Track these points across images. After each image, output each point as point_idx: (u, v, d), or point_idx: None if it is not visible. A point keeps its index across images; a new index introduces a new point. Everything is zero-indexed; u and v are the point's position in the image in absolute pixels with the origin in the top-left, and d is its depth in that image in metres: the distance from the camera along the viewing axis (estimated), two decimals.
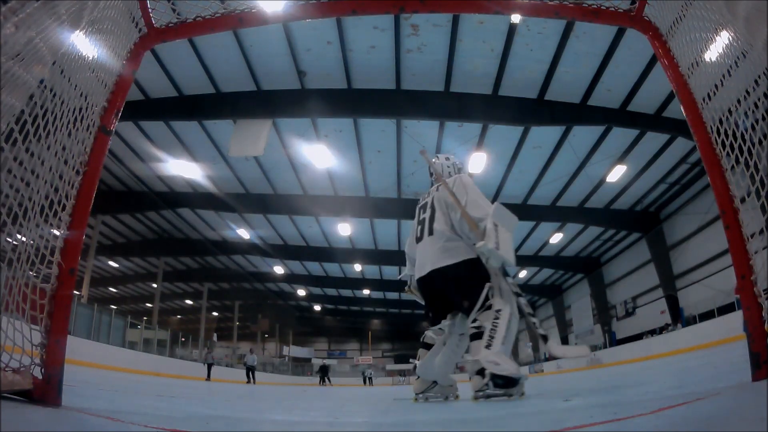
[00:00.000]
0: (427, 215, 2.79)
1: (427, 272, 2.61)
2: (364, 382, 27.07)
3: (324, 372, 24.71)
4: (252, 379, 17.87)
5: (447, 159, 3.19)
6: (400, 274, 3.39)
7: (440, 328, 2.66)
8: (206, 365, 17.67)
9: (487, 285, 2.44)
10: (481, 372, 2.25)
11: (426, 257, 2.66)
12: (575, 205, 16.41)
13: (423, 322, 3.41)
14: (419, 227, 2.84)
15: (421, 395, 2.75)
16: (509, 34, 9.22)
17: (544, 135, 12.41)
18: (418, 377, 2.78)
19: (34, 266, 1.48)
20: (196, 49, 9.85)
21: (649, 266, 18.42)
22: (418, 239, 2.80)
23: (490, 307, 2.40)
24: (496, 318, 2.36)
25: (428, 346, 2.79)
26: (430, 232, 2.69)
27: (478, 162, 12.69)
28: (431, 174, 3.10)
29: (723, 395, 1.38)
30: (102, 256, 23.32)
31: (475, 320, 2.40)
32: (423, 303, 2.86)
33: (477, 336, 2.36)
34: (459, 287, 2.52)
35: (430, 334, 2.83)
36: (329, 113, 11.26)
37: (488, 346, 2.27)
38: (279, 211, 17.22)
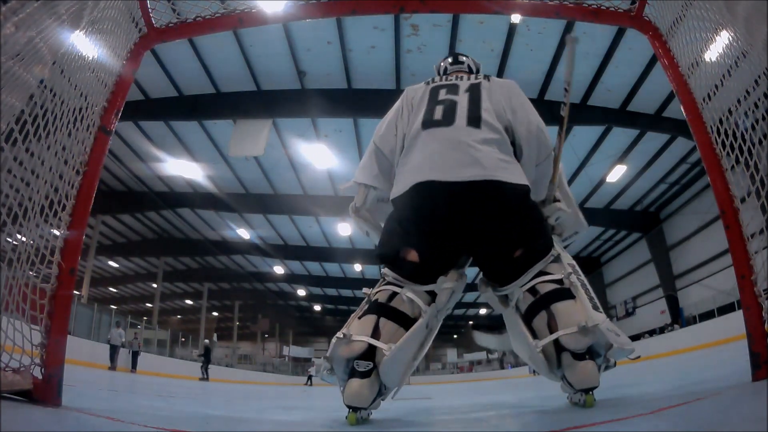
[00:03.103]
0: (460, 98, 1.72)
1: (463, 179, 1.50)
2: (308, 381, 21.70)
3: (207, 358, 16.50)
4: (113, 363, 13.04)
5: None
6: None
7: (430, 291, 1.58)
8: (130, 353, 14.06)
9: (548, 220, 1.81)
10: (589, 353, 1.46)
11: (456, 154, 1.55)
12: None
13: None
14: (439, 107, 1.71)
15: (365, 412, 1.50)
16: (509, 34, 9.22)
17: None
18: (366, 374, 1.44)
19: (34, 266, 1.47)
20: (196, 49, 9.85)
21: (649, 266, 18.44)
22: (435, 122, 1.67)
23: (559, 258, 1.67)
24: (576, 273, 1.64)
25: (397, 316, 1.54)
26: (473, 122, 1.62)
27: None
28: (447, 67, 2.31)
29: (723, 395, 1.38)
30: (102, 256, 23.32)
31: (540, 273, 1.58)
32: (385, 238, 1.73)
33: (564, 294, 1.54)
34: (522, 220, 1.60)
35: (409, 296, 1.56)
36: (329, 113, 11.26)
37: (597, 308, 1.54)
38: (279, 211, 17.23)
